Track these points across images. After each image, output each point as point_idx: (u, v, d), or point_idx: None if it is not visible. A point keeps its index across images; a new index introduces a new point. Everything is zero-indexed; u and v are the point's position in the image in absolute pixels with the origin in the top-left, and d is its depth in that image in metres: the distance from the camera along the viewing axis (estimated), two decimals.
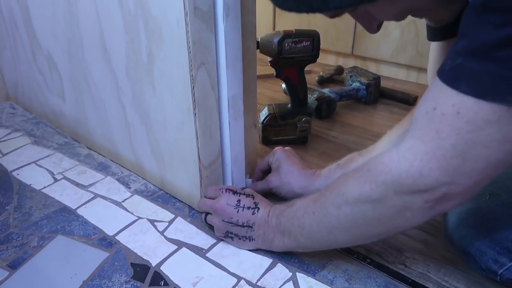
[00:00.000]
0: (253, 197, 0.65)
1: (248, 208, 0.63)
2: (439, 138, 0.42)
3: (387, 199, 0.47)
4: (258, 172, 0.79)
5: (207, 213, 0.68)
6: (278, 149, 0.77)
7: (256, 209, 0.63)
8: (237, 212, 0.63)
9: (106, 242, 0.68)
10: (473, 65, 0.39)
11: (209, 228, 0.70)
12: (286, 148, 0.78)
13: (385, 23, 0.52)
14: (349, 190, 0.51)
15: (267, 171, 0.79)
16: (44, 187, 0.83)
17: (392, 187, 0.46)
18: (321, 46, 0.92)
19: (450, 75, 0.41)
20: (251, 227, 0.63)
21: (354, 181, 0.51)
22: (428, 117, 0.43)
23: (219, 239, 0.68)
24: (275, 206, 0.63)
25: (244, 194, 0.65)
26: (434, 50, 0.63)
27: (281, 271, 0.62)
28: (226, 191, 0.65)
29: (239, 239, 0.64)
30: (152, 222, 0.73)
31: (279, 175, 0.74)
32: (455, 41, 0.42)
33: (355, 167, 0.69)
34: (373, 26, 0.50)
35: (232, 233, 0.64)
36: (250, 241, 0.64)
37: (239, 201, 0.64)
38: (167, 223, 0.73)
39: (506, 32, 0.36)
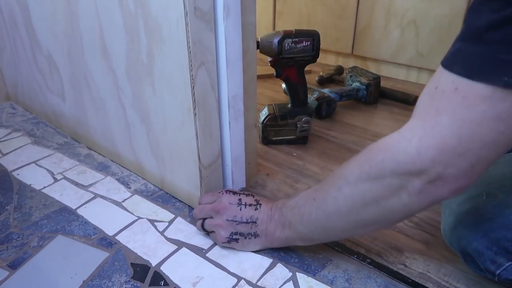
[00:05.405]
0: (253, 196, 0.66)
1: (250, 205, 0.64)
2: (437, 114, 0.42)
3: (385, 178, 0.47)
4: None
5: (203, 220, 0.67)
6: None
7: (258, 205, 0.64)
8: (240, 210, 0.63)
9: (106, 242, 0.68)
10: (468, 48, 0.40)
11: (206, 234, 0.69)
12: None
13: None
14: (350, 170, 0.52)
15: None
16: (44, 187, 0.83)
17: (390, 165, 0.46)
18: (321, 46, 0.92)
19: (449, 59, 0.43)
20: (255, 222, 0.63)
21: (355, 162, 0.51)
22: (430, 96, 0.44)
23: None
24: (277, 202, 0.64)
25: (243, 193, 0.66)
26: None
27: (281, 271, 0.62)
28: (226, 192, 0.66)
29: (245, 238, 0.64)
30: (152, 222, 0.73)
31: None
32: None
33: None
34: None
35: (237, 233, 0.64)
36: (255, 237, 0.64)
37: (240, 199, 0.64)
38: (167, 223, 0.73)
39: (501, 15, 0.37)
